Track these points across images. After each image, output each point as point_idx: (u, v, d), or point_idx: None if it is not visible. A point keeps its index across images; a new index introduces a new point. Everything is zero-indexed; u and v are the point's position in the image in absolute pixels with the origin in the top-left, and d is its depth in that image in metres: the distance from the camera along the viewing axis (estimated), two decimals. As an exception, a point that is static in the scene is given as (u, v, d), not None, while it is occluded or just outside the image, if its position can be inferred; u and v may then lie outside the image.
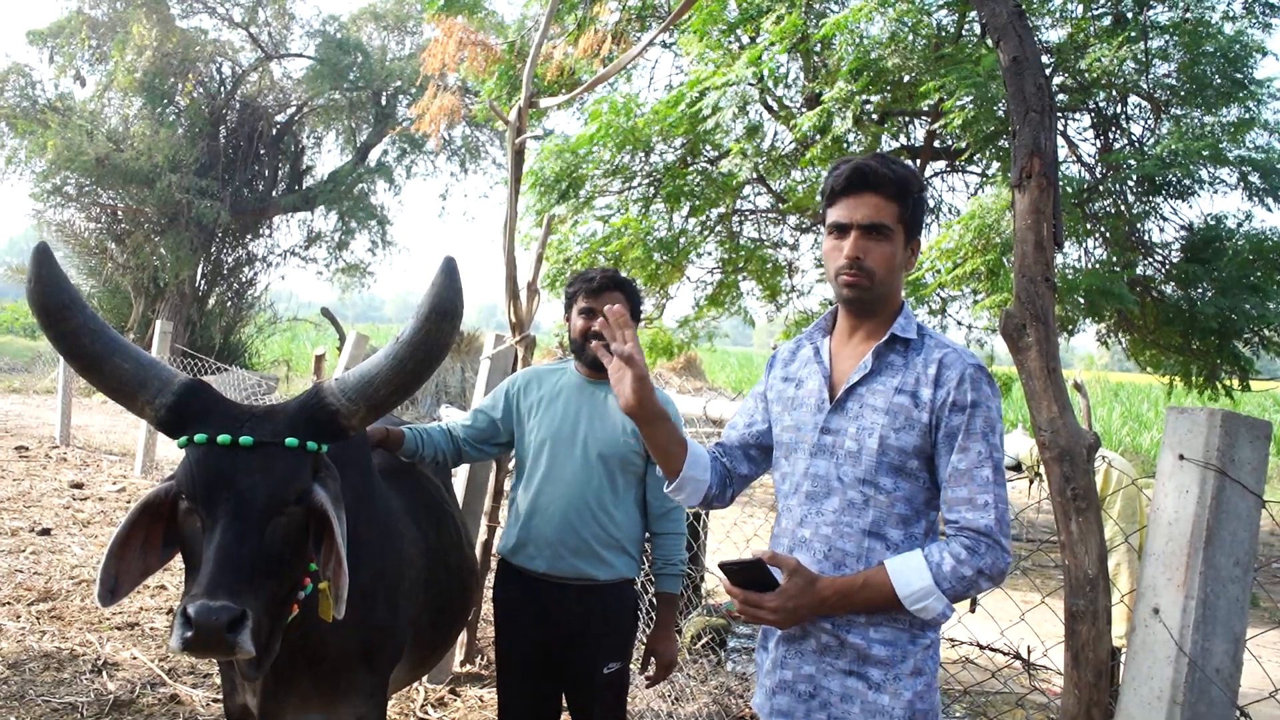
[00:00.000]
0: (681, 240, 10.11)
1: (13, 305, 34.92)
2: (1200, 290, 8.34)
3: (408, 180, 23.58)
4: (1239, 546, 1.74)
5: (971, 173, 10.43)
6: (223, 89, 21.27)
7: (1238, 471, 1.73)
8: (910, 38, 7.99)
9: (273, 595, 1.93)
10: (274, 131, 22.01)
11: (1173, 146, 7.61)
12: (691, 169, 9.87)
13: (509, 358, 4.57)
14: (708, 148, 9.68)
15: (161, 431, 2.01)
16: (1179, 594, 1.73)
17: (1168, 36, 8.17)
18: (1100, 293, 7.53)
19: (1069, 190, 7.83)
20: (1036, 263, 2.07)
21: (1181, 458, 1.77)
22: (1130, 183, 8.55)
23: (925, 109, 8.82)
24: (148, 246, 20.10)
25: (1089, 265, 8.82)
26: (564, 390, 3.08)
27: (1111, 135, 9.15)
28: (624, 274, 3.21)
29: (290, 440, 1.96)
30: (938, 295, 9.35)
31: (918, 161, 9.49)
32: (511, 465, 3.41)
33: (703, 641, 5.25)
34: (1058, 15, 8.74)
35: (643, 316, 11.36)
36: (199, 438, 1.92)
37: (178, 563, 2.05)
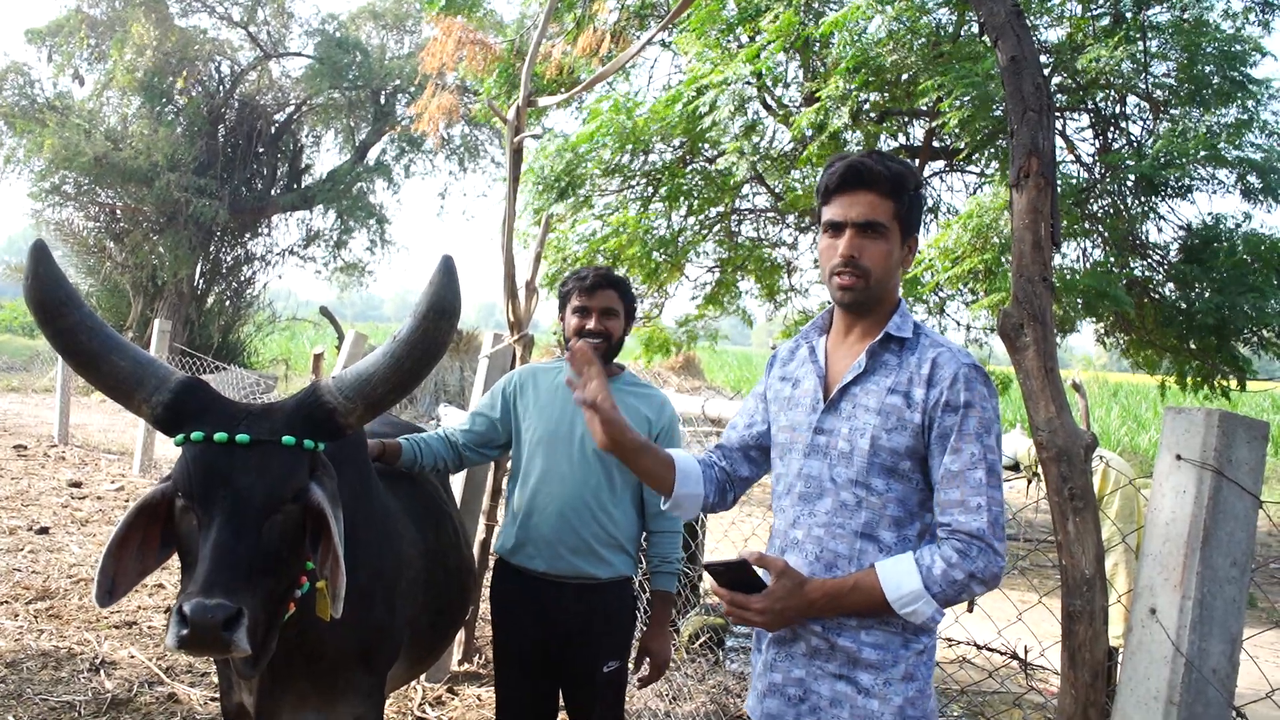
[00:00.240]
0: (680, 239, 10.11)
1: (11, 304, 34.91)
2: (1198, 290, 8.34)
3: (406, 179, 23.62)
4: (1236, 547, 1.74)
5: (970, 172, 10.44)
6: (221, 88, 21.27)
7: (1235, 472, 1.72)
8: (908, 36, 7.99)
9: (269, 593, 1.92)
10: (273, 130, 22.01)
11: (1170, 147, 7.61)
12: (690, 168, 9.87)
13: (507, 356, 4.57)
14: (706, 147, 9.68)
15: (158, 429, 2.01)
16: (1176, 594, 1.73)
17: (1166, 36, 8.17)
18: (1097, 294, 7.53)
19: (1068, 189, 7.84)
20: (1034, 262, 2.07)
21: (1179, 458, 1.77)
22: (1129, 183, 8.55)
23: (924, 108, 8.83)
24: (146, 245, 20.10)
25: (1086, 266, 8.83)
26: (560, 388, 3.07)
27: (1110, 135, 9.15)
28: (622, 272, 3.21)
29: (287, 438, 1.96)
30: (935, 294, 9.35)
31: (916, 161, 9.49)
32: (509, 464, 3.41)
33: (701, 641, 5.25)
34: (1056, 15, 8.74)
35: (641, 315, 11.34)
36: (196, 435, 1.92)
37: (176, 561, 2.05)
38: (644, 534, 3.13)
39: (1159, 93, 8.55)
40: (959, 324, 10.35)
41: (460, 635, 4.71)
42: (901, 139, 10.31)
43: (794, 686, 1.97)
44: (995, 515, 1.82)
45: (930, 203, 10.73)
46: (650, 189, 10.13)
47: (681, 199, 9.73)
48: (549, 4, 5.04)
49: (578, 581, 2.94)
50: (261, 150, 21.87)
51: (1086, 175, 8.96)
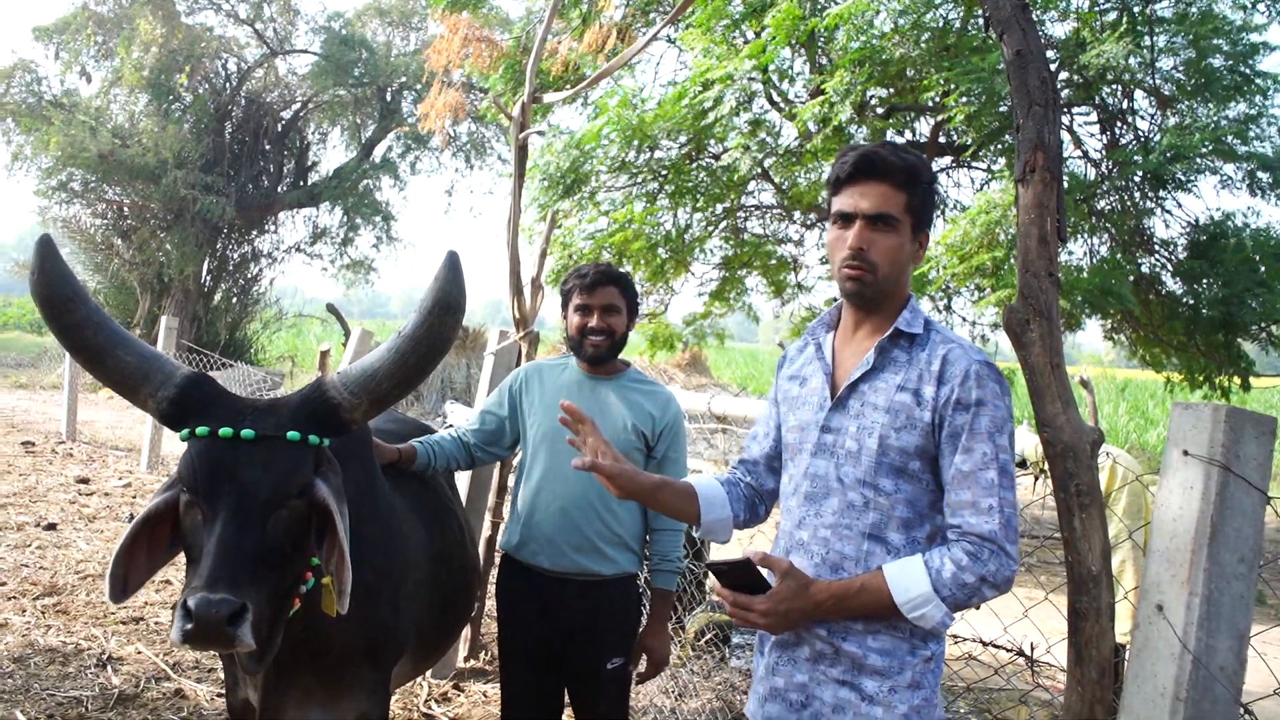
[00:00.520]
0: (686, 236, 10.10)
1: (19, 301, 35.04)
2: (1205, 286, 8.31)
3: (413, 176, 23.60)
4: (1243, 543, 1.73)
5: (977, 168, 10.40)
6: (228, 85, 21.29)
7: (1243, 467, 1.72)
8: (914, 30, 7.96)
9: (274, 589, 1.93)
10: (279, 127, 22.02)
11: (1177, 141, 7.58)
12: (696, 165, 9.85)
13: (513, 353, 4.57)
14: (712, 143, 9.66)
15: (164, 424, 2.02)
16: (1183, 591, 1.72)
17: (1173, 29, 8.12)
18: (1102, 291, 7.50)
19: (1075, 185, 7.81)
20: (1040, 258, 2.06)
21: (1186, 453, 1.76)
22: (1135, 179, 8.51)
23: (930, 103, 8.80)
24: (153, 242, 20.13)
25: (1093, 263, 8.79)
26: (565, 386, 3.07)
27: (1117, 131, 9.12)
28: (627, 269, 3.21)
29: (292, 434, 1.96)
30: (942, 291, 9.32)
31: (923, 156, 9.45)
32: (515, 461, 3.41)
33: (706, 638, 5.25)
34: (1062, 10, 8.70)
35: (646, 311, 11.31)
36: (201, 431, 1.93)
37: (182, 557, 2.05)
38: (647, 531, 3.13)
39: (1167, 87, 8.51)
40: (964, 320, 10.33)
41: (466, 632, 4.72)
42: (908, 134, 10.27)
43: (796, 691, 1.93)
44: (1008, 517, 1.77)
45: (937, 199, 10.69)
46: (656, 185, 10.12)
47: (687, 196, 9.72)
48: (554, 0, 5.04)
49: (582, 578, 2.94)
50: (268, 147, 21.88)
51: (1094, 171, 8.93)
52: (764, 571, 1.88)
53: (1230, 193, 8.31)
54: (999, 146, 8.68)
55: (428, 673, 4.48)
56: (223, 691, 4.12)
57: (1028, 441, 6.20)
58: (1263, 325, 8.15)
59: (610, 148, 9.27)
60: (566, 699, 3.10)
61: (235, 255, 22.32)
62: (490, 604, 4.79)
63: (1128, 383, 27.31)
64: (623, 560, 2.98)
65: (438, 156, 23.18)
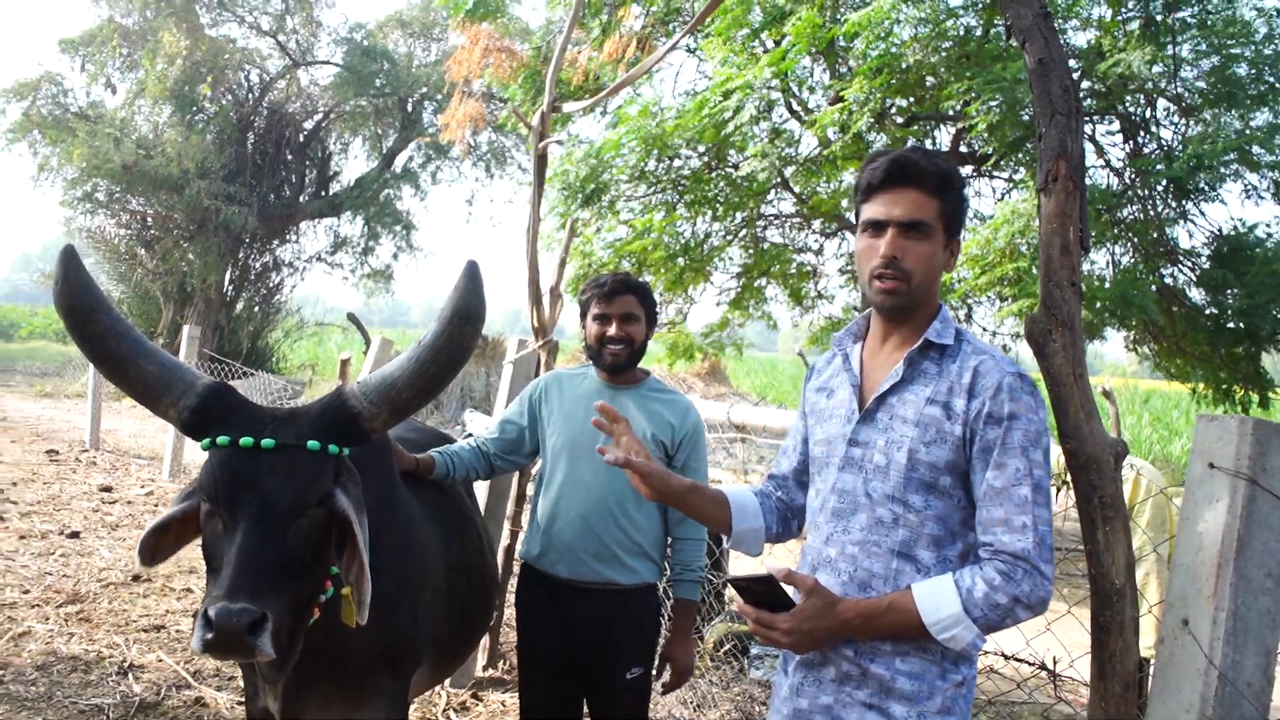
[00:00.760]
0: (705, 245, 10.10)
1: (45, 311, 35.37)
2: (1229, 296, 8.23)
3: (433, 186, 23.73)
4: (1271, 558, 1.71)
5: (999, 177, 10.37)
6: (251, 96, 21.46)
7: (1270, 481, 1.69)
8: (933, 39, 7.94)
9: (294, 598, 1.93)
10: (301, 138, 22.19)
11: (1201, 150, 7.52)
12: (716, 174, 9.86)
13: (532, 362, 4.58)
14: (732, 153, 9.66)
15: (184, 433, 2.02)
16: (1209, 606, 1.70)
17: (1197, 38, 8.07)
18: (1124, 302, 7.45)
19: (1097, 195, 7.76)
20: (1062, 267, 2.04)
21: (1211, 466, 1.74)
22: (1159, 188, 8.46)
23: (951, 112, 8.78)
24: (176, 252, 20.31)
25: (1115, 273, 8.74)
26: (584, 395, 3.07)
27: (1140, 140, 9.06)
28: (646, 278, 3.21)
29: (312, 443, 1.97)
30: (963, 300, 9.28)
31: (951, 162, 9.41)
32: (534, 470, 3.41)
33: (725, 648, 5.23)
34: (1084, 19, 8.67)
35: (666, 321, 11.32)
36: (221, 440, 1.93)
37: (204, 566, 2.06)
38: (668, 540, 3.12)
39: (1190, 96, 8.46)
40: (985, 329, 10.28)
41: (485, 641, 4.72)
42: (928, 144, 10.25)
43: (821, 714, 1.87)
44: (1042, 535, 1.70)
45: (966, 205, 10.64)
46: (675, 195, 10.13)
47: (707, 205, 9.72)
48: (574, 10, 5.05)
49: (601, 588, 2.93)
50: (290, 158, 22.04)
51: (1116, 180, 8.88)
52: (788, 589, 1.82)
53: (1254, 202, 8.25)
54: (1020, 156, 8.65)
55: (446, 681, 4.48)
56: (243, 700, 4.14)
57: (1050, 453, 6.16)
58: (1287, 336, 8.07)
59: (630, 157, 9.29)
60: (585, 708, 3.09)
61: (257, 265, 22.49)
62: (509, 613, 4.79)
63: (1151, 393, 27.09)
64: (642, 570, 2.97)
65: (458, 166, 23.31)
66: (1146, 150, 8.92)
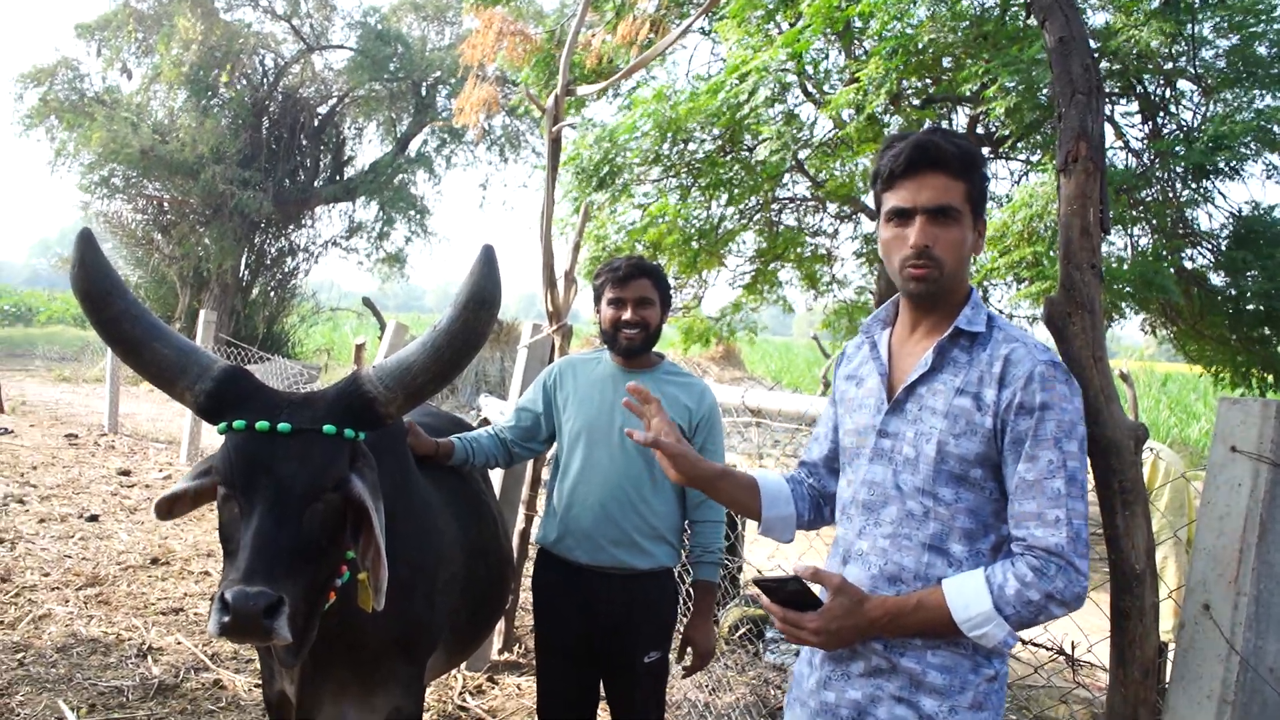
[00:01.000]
0: (720, 229, 10.07)
1: (63, 295, 35.61)
2: (1248, 278, 8.15)
3: (448, 170, 23.71)
4: (1294, 542, 1.69)
5: (1016, 159, 10.28)
6: (265, 81, 21.49)
7: (1293, 464, 1.67)
8: (949, 18, 7.86)
9: (310, 582, 1.93)
10: (315, 123, 22.21)
11: (1221, 130, 7.43)
12: (731, 157, 9.82)
13: (546, 347, 4.57)
14: (747, 137, 9.61)
15: (200, 417, 2.03)
16: (1230, 590, 1.68)
17: (1218, 17, 7.96)
18: (1145, 283, 7.39)
19: (1116, 176, 7.69)
20: (1082, 249, 2.01)
21: (1234, 450, 1.72)
22: (1178, 169, 8.37)
23: (968, 94, 8.70)
24: (192, 237, 20.40)
25: (1134, 255, 8.67)
26: (599, 380, 3.06)
27: (1160, 120, 8.97)
28: (661, 261, 3.20)
29: (328, 427, 1.97)
30: (980, 284, 9.23)
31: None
32: (549, 454, 3.41)
33: (740, 632, 5.23)
34: (1104, -1, 8.57)
35: (681, 305, 11.28)
36: (238, 424, 1.93)
37: (221, 549, 2.07)
38: (685, 523, 3.11)
39: (1210, 76, 8.36)
40: (1001, 312, 10.21)
41: (500, 625, 4.73)
42: (944, 126, 10.17)
43: (849, 709, 1.83)
44: (1077, 529, 1.65)
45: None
46: (690, 178, 10.10)
47: (721, 188, 9.68)
48: (588, -8, 5.02)
49: (619, 572, 2.93)
50: (305, 142, 22.07)
51: (1135, 161, 8.79)
52: (815, 587, 1.79)
53: (1276, 182, 8.16)
54: (1037, 138, 8.57)
55: (462, 665, 4.50)
56: (260, 683, 4.17)
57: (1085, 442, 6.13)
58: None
59: (644, 140, 9.25)
60: (602, 692, 3.10)
61: (272, 250, 22.56)
62: (525, 597, 4.80)
63: (1168, 376, 26.91)
64: (660, 554, 2.97)
65: (472, 150, 23.28)
66: (1166, 131, 8.83)
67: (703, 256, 9.97)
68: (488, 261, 2.06)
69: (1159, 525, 4.75)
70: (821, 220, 11.50)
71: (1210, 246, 8.85)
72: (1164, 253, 8.47)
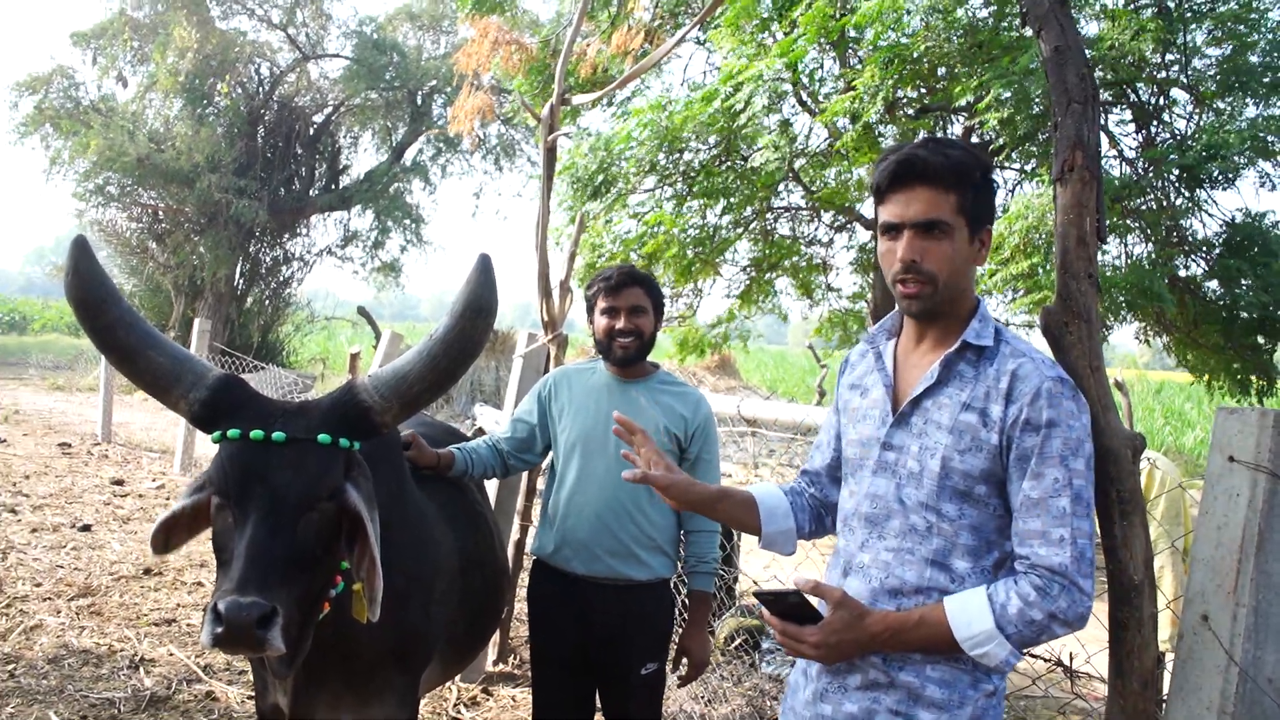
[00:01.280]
0: (715, 238, 10.07)
1: (57, 304, 35.53)
2: (1243, 287, 8.17)
3: (443, 179, 23.73)
4: (1293, 552, 1.68)
5: (1010, 168, 10.31)
6: (261, 89, 21.50)
7: (1291, 474, 1.67)
8: (943, 28, 7.88)
9: (304, 592, 1.92)
10: (311, 131, 22.21)
11: (1214, 139, 7.45)
12: (726, 166, 9.82)
13: (542, 356, 4.56)
14: (743, 146, 9.62)
15: (195, 426, 2.02)
16: (1229, 601, 1.68)
17: (1210, 25, 7.99)
18: (1139, 292, 7.39)
19: (1110, 185, 7.71)
20: (1079, 259, 2.01)
21: (1231, 459, 1.72)
22: (1171, 177, 8.39)
23: (963, 104, 8.72)
24: (187, 246, 20.37)
25: (1128, 263, 8.68)
26: (595, 390, 3.05)
27: (1153, 129, 8.99)
28: (657, 271, 3.19)
29: (323, 436, 1.96)
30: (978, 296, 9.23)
31: (974, 148, 9.35)
32: (544, 465, 3.40)
33: (736, 643, 5.22)
34: (1096, 10, 8.59)
35: (676, 315, 11.26)
36: (232, 433, 1.92)
37: (214, 560, 2.05)
38: (681, 534, 3.10)
39: (1205, 84, 8.38)
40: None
41: (495, 636, 4.71)
42: (942, 135, 10.19)
43: None
44: (1081, 549, 1.63)
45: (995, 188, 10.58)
46: (685, 187, 10.10)
47: (718, 196, 9.68)
48: (582, 2, 5.03)
49: (616, 583, 2.92)
50: (300, 151, 22.07)
51: (1129, 170, 8.81)
52: (815, 601, 1.77)
53: (1269, 190, 8.17)
54: (1032, 149, 8.59)
55: (457, 677, 4.48)
56: (253, 694, 4.15)
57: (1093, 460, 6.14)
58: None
59: (640, 150, 9.26)
60: (598, 703, 3.08)
61: (267, 258, 22.53)
62: (520, 608, 4.78)
63: (1162, 384, 26.97)
64: (656, 564, 2.96)
65: (467, 159, 23.30)
66: (1159, 140, 8.85)
67: (698, 265, 9.97)
68: (484, 270, 2.05)
69: (1155, 535, 4.75)
70: (817, 229, 11.51)
71: (1204, 255, 8.87)
72: (1158, 261, 8.48)
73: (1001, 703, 1.79)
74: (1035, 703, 4.55)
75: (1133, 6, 8.25)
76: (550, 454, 3.18)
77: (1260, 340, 8.24)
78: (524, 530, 4.63)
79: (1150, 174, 8.51)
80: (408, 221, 22.91)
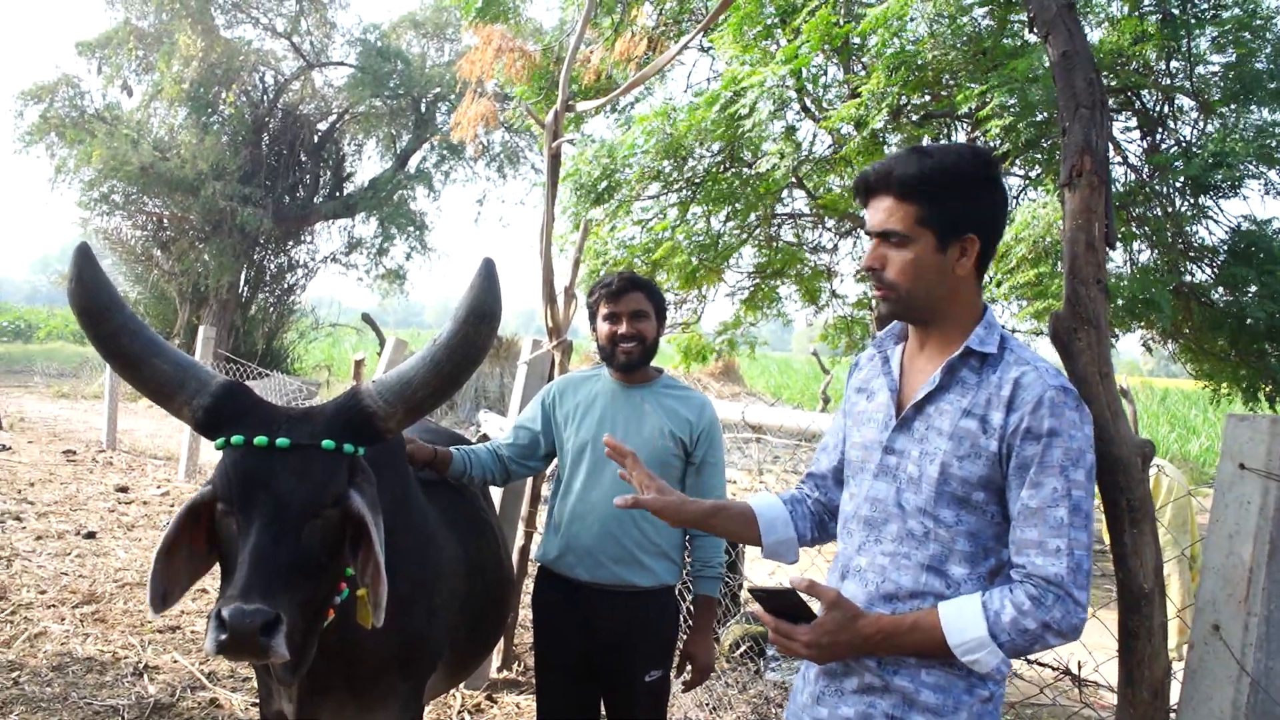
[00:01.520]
0: (719, 244, 10.07)
1: (62, 312, 35.59)
2: (1250, 295, 8.15)
3: (447, 186, 23.75)
4: (1305, 560, 1.67)
5: (1014, 175, 10.30)
6: (265, 97, 21.54)
7: (1303, 481, 1.66)
8: (948, 35, 7.89)
9: (308, 599, 1.91)
10: (315, 139, 22.25)
11: (1220, 147, 7.45)
12: (730, 172, 9.82)
13: (546, 362, 4.56)
14: (746, 152, 9.62)
15: (199, 432, 2.01)
16: (1241, 610, 1.66)
17: (1216, 32, 7.99)
18: (1142, 301, 7.38)
19: (1116, 193, 7.70)
20: (1088, 264, 2.00)
21: (1242, 467, 1.70)
22: (1177, 184, 8.38)
23: (966, 111, 8.72)
24: (192, 253, 20.41)
25: (1133, 271, 8.66)
26: (598, 397, 3.04)
27: (1158, 136, 8.98)
28: (661, 277, 3.19)
29: (327, 442, 1.95)
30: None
31: (960, 154, 9.32)
32: (549, 472, 3.39)
33: (741, 650, 5.20)
34: (1100, 16, 8.59)
35: (680, 321, 11.26)
36: (236, 439, 1.91)
37: (218, 566, 2.04)
38: (687, 539, 3.09)
39: (1210, 91, 8.38)
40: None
41: (500, 643, 4.70)
42: (943, 141, 10.18)
43: None
44: (1078, 560, 1.63)
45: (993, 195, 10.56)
46: (689, 193, 10.10)
47: (722, 201, 9.68)
48: (586, 9, 5.03)
49: (620, 590, 2.90)
50: (304, 159, 22.11)
51: (1134, 177, 8.80)
52: (811, 600, 1.77)
53: (1275, 197, 8.16)
54: (1036, 156, 8.59)
55: (461, 684, 4.46)
56: (258, 701, 4.13)
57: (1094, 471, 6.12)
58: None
59: (644, 157, 9.26)
60: (602, 710, 3.07)
61: (272, 266, 22.57)
62: (525, 615, 4.77)
63: (1167, 391, 26.92)
64: (661, 571, 2.95)
65: (471, 166, 23.32)
66: (1165, 147, 8.84)
67: (702, 272, 9.97)
68: (488, 275, 2.04)
69: (1163, 542, 4.73)
70: (821, 236, 11.51)
71: (1210, 262, 8.85)
72: (1164, 269, 8.47)
73: (999, 709, 1.79)
74: (1043, 711, 4.53)
75: (1136, 13, 8.24)
76: (553, 461, 3.17)
77: (1267, 347, 8.22)
78: (529, 537, 4.62)
79: (1155, 181, 8.50)
80: (412, 228, 22.92)
